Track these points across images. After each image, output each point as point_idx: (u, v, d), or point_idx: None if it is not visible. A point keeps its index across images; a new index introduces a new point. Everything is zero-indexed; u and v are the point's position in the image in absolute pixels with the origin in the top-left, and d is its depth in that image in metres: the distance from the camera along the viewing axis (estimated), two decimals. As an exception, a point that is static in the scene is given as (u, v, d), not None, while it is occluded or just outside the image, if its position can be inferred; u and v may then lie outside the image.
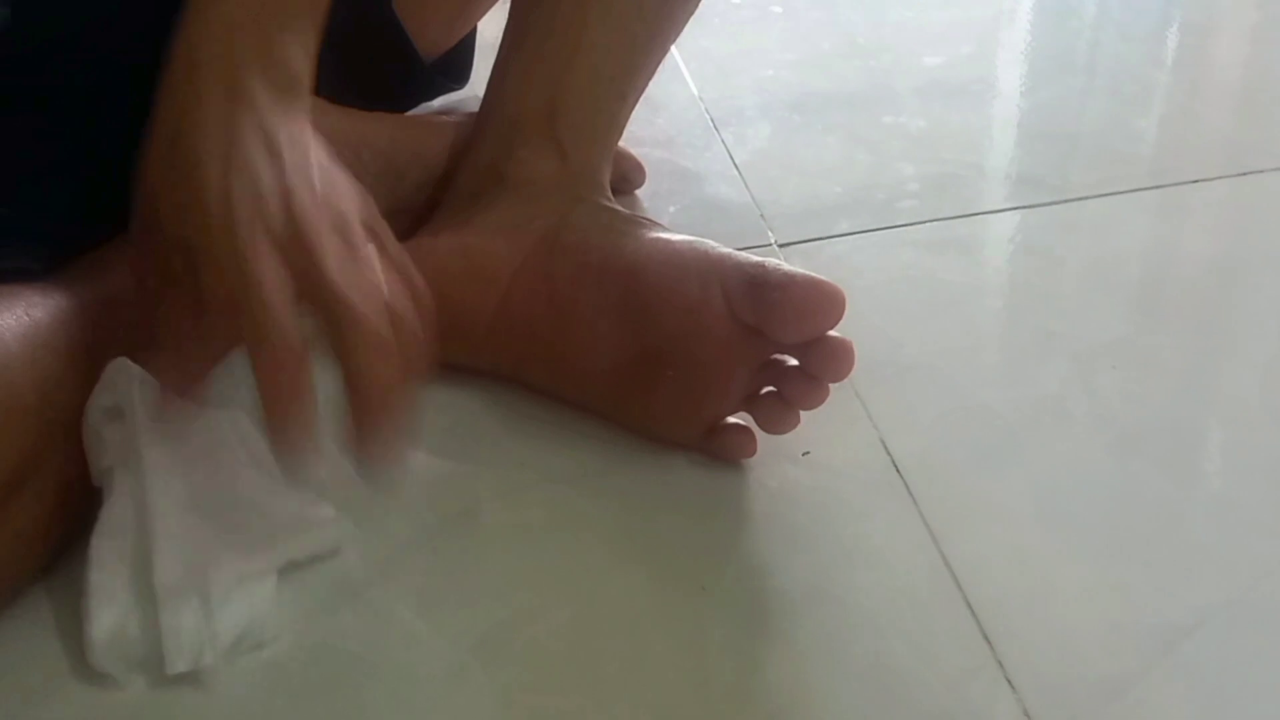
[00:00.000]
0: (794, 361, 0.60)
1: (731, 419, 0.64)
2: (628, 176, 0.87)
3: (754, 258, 0.61)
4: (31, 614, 0.56)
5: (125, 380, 0.56)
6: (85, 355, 0.58)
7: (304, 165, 0.51)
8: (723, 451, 0.64)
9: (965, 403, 0.69)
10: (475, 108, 0.77)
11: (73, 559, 0.56)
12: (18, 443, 0.53)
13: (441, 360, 0.70)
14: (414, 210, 0.75)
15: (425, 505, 0.63)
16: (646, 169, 0.88)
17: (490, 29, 0.91)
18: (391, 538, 0.60)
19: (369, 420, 0.48)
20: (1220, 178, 0.92)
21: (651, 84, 0.76)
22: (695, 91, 1.05)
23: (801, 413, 0.62)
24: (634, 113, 0.75)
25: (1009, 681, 0.53)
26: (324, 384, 0.61)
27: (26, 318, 0.57)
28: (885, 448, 0.66)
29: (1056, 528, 0.61)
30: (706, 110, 1.01)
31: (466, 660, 0.54)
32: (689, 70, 1.08)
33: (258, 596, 0.55)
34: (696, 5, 0.75)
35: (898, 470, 0.64)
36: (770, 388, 0.62)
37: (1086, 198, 0.90)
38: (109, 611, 0.52)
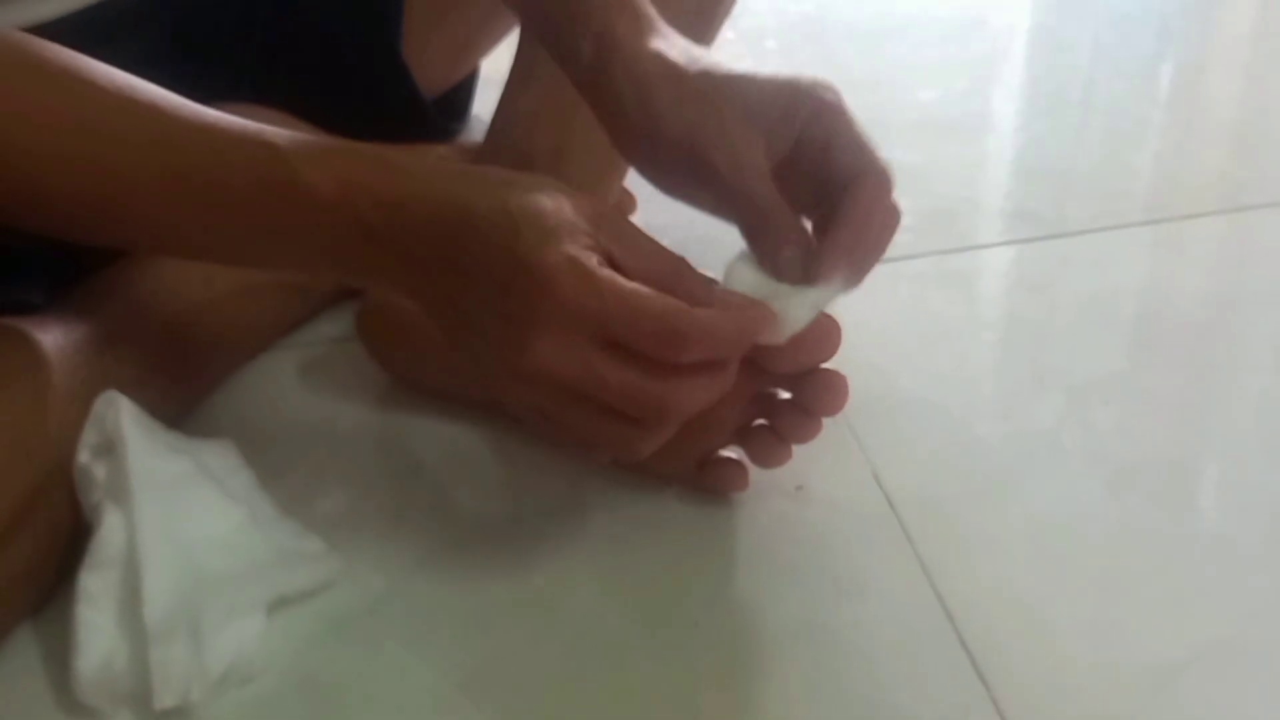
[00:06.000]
0: (787, 394, 0.60)
1: (723, 452, 0.63)
2: (620, 205, 0.87)
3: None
4: (18, 648, 0.56)
5: (114, 414, 0.56)
6: (83, 393, 0.58)
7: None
8: (714, 485, 0.64)
9: (960, 437, 0.69)
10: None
11: (61, 593, 0.56)
12: (19, 485, 0.54)
13: (429, 387, 0.70)
14: None
15: (414, 539, 0.62)
16: (638, 200, 0.88)
17: (487, 64, 0.92)
18: (380, 572, 0.60)
19: None
20: (1214, 213, 0.93)
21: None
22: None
23: (794, 447, 0.61)
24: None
25: (1003, 718, 0.52)
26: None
27: (30, 357, 0.57)
28: (879, 482, 0.66)
29: (1051, 563, 0.60)
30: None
31: (455, 695, 0.54)
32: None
33: (246, 631, 0.55)
34: None
35: (891, 505, 0.64)
36: (762, 420, 0.61)
37: (1081, 233, 0.90)
38: (97, 645, 0.52)
